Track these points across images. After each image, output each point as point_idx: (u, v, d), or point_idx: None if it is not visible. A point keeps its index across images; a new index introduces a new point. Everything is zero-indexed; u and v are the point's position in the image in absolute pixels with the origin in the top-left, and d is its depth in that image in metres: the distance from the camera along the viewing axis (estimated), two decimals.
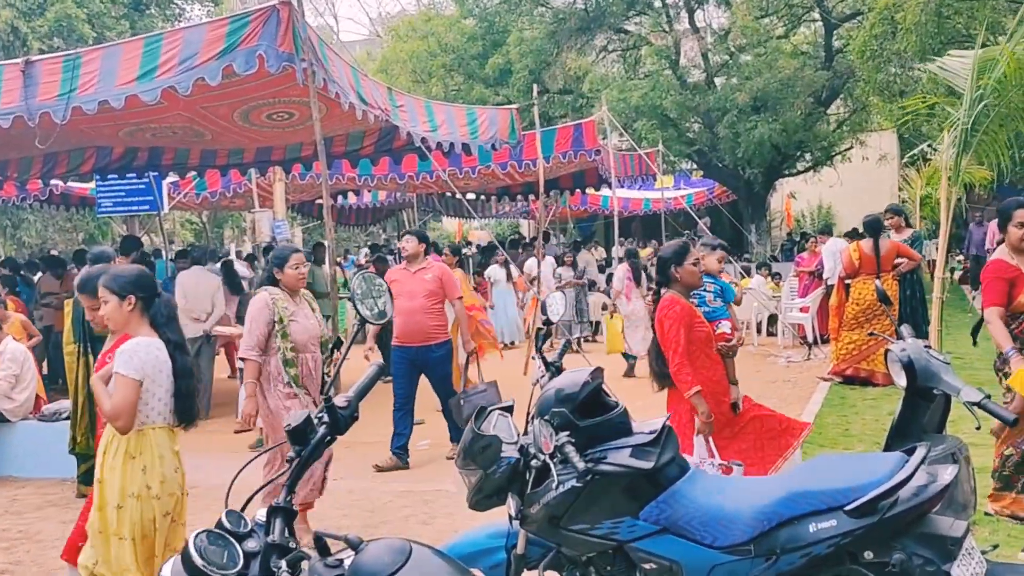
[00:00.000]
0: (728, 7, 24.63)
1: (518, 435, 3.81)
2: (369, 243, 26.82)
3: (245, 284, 18.20)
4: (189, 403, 4.62)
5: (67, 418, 8.42)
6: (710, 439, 5.84)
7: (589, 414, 3.86)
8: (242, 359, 6.60)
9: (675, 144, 23.71)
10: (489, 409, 3.93)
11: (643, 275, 13.95)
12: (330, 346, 6.49)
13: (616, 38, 27.03)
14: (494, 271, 17.60)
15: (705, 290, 7.14)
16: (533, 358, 4.62)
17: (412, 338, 8.85)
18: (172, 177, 16.97)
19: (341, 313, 13.31)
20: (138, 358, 4.37)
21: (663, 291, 6.01)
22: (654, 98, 22.62)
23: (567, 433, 3.65)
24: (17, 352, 9.02)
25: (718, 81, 24.54)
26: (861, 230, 12.91)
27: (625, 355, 13.75)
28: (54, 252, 23.12)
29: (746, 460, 5.85)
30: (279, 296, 6.57)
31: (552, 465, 3.57)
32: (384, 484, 8.26)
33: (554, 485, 3.62)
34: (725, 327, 6.59)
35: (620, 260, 15.85)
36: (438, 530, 6.67)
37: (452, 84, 27.52)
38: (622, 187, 21.82)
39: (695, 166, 27.35)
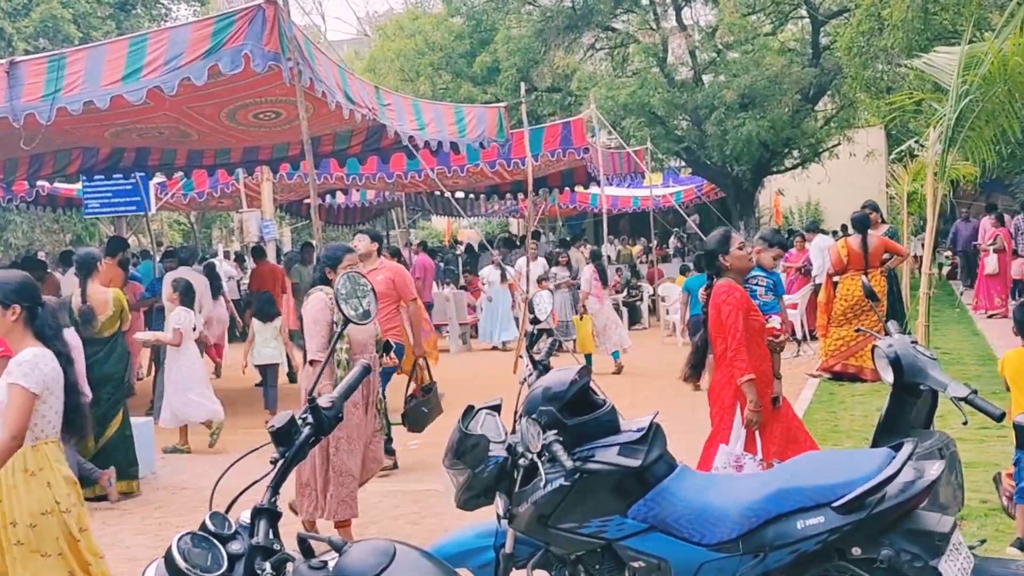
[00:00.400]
0: (715, 4, 24.65)
1: (506, 434, 3.80)
2: None
3: (234, 284, 18.19)
4: (81, 418, 4.43)
5: None
6: (755, 432, 5.70)
7: (577, 413, 3.86)
8: (311, 362, 6.43)
9: (663, 142, 23.72)
10: (477, 408, 3.93)
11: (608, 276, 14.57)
12: (382, 349, 6.54)
13: (604, 36, 27.03)
14: (488, 272, 17.56)
15: (758, 284, 7.12)
16: (521, 357, 4.61)
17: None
18: (159, 178, 16.91)
19: None
20: (39, 371, 4.15)
21: (716, 281, 5.87)
22: (642, 96, 22.62)
23: (555, 432, 3.65)
24: None
25: (706, 78, 24.56)
26: (849, 227, 12.94)
27: (614, 353, 13.80)
28: (41, 254, 23.03)
29: (768, 460, 5.68)
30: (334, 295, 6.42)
31: (540, 464, 3.57)
32: (373, 484, 8.22)
33: (542, 484, 3.62)
34: (775, 322, 6.52)
35: (587, 261, 15.96)
36: (428, 529, 6.67)
37: (440, 83, 27.49)
38: (611, 185, 21.82)
39: (684, 164, 27.36)
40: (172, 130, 11.92)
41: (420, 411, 8.48)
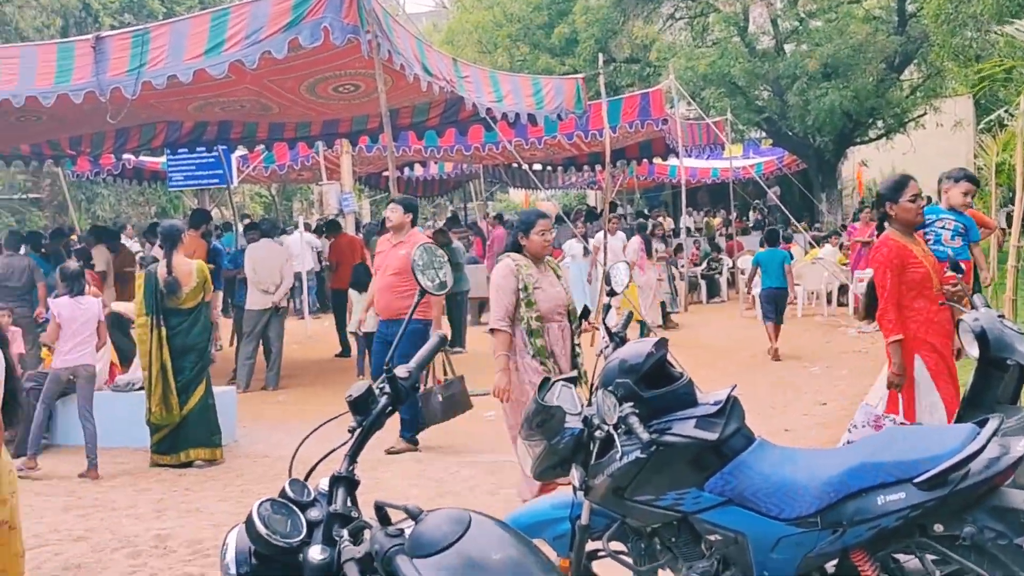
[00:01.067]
0: None
1: (582, 406, 3.80)
2: (448, 215, 26.79)
3: (316, 255, 18.38)
4: (17, 404, 4.23)
5: (140, 388, 8.59)
6: (898, 394, 5.60)
7: (653, 385, 3.84)
8: (492, 330, 6.17)
9: (744, 112, 23.39)
10: (553, 380, 3.92)
11: (654, 247, 15.53)
12: (579, 315, 6.12)
13: (683, 5, 26.68)
14: (571, 245, 17.44)
15: (944, 227, 6.69)
16: (597, 328, 4.59)
17: (385, 314, 8.52)
18: (241, 151, 17.17)
19: None
20: None
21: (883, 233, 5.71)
22: (722, 66, 22.30)
23: (631, 404, 3.63)
24: None
25: (787, 48, 24.10)
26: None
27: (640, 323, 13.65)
28: (129, 226, 23.54)
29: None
30: (523, 263, 6.15)
31: (616, 436, 3.56)
32: (450, 455, 8.32)
33: (618, 456, 3.61)
34: (955, 270, 5.93)
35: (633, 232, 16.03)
36: (504, 500, 6.70)
37: (518, 54, 27.37)
38: (690, 157, 21.60)
39: (764, 135, 26.94)
40: (253, 103, 12.08)
41: (435, 401, 8.36)
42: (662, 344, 3.97)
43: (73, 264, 8.86)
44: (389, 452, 8.28)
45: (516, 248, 6.27)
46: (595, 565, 3.96)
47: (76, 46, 9.71)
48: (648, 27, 25.37)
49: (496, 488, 7.19)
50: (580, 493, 3.77)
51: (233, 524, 2.51)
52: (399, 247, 8.43)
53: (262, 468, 8.07)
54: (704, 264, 20.53)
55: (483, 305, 17.55)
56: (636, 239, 15.14)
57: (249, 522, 2.25)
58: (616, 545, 3.92)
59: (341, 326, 13.68)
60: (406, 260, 8.27)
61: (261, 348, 11.85)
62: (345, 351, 13.62)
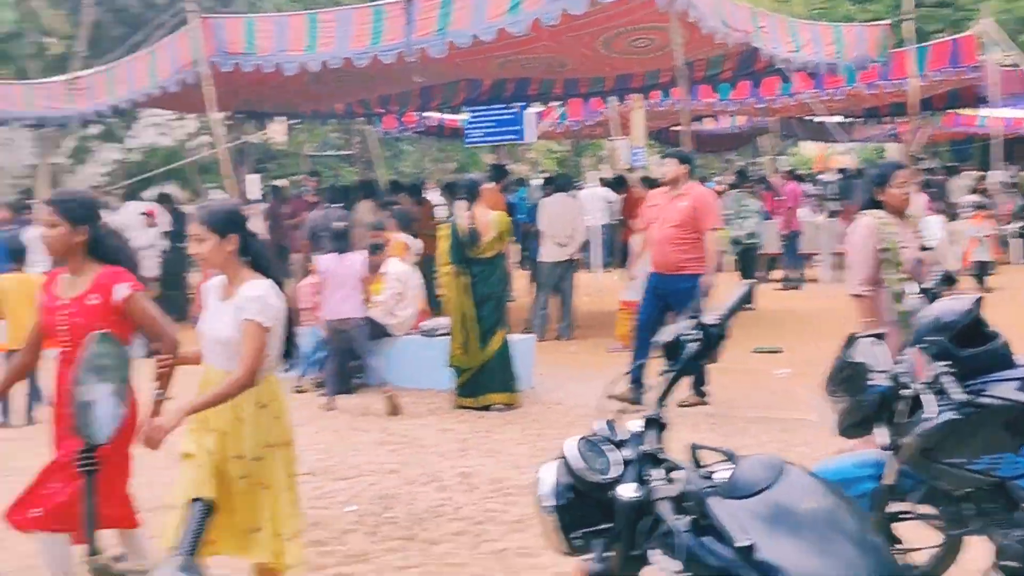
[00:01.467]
0: None
1: (889, 363, 3.68)
2: (737, 169, 26.38)
3: (608, 209, 18.53)
4: (294, 347, 4.30)
5: (445, 334, 9.05)
6: None
7: (967, 344, 3.66)
8: (854, 296, 5.76)
9: None
10: (858, 335, 3.82)
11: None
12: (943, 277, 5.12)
13: None
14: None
15: None
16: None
17: (660, 267, 8.36)
18: (536, 107, 17.56)
19: None
20: (271, 305, 4.04)
21: None
22: None
23: (946, 363, 3.48)
24: (401, 272, 9.76)
25: None
26: None
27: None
28: (430, 183, 24.64)
29: None
30: (885, 219, 5.70)
31: (927, 395, 3.43)
32: (739, 411, 8.25)
33: (930, 416, 3.47)
34: None
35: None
36: (797, 457, 6.52)
37: (816, 1, 26.34)
38: (1005, 107, 20.08)
39: None
40: (551, 60, 12.32)
41: None
42: (978, 302, 3.78)
43: (340, 225, 9.48)
44: (681, 406, 8.30)
45: (873, 204, 5.81)
46: (895, 527, 3.85)
47: (387, 8, 10.27)
48: None
49: (788, 446, 7.08)
50: (887, 453, 3.67)
51: (530, 465, 2.62)
52: (678, 199, 8.32)
53: (557, 414, 8.33)
54: (1020, 223, 19.13)
55: (773, 261, 17.21)
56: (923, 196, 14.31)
57: (566, 458, 2.36)
58: (925, 508, 3.79)
59: None
60: (687, 212, 8.21)
61: (554, 299, 12.17)
62: None
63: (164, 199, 15.71)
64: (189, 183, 21.20)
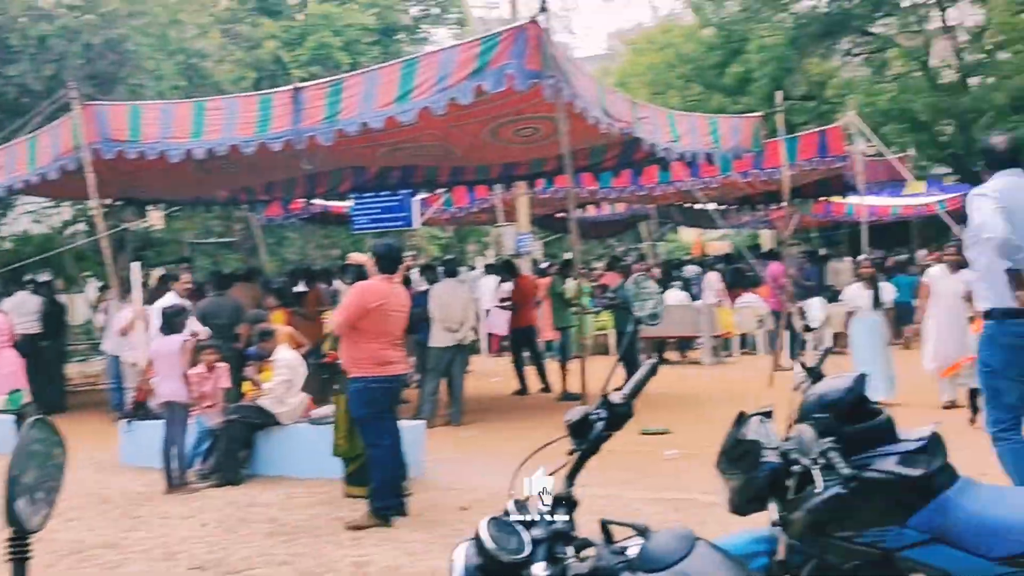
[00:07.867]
0: (984, 3, 23.37)
1: (778, 441, 3.80)
2: (609, 256, 26.96)
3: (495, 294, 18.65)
4: None
5: (332, 422, 8.93)
6: None
7: (852, 420, 3.81)
8: None
9: (927, 148, 22.72)
10: (749, 414, 3.94)
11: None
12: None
13: (861, 41, 26.16)
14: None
15: None
16: (792, 365, 4.55)
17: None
18: (421, 194, 17.68)
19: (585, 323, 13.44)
20: None
21: None
22: (903, 101, 21.79)
23: (831, 439, 3.62)
24: (290, 359, 9.65)
25: (972, 81, 23.31)
26: None
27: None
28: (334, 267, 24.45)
29: None
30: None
31: (815, 471, 3.55)
32: (634, 491, 8.34)
33: (817, 491, 3.59)
34: None
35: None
36: None
37: (690, 95, 27.39)
38: (869, 195, 21.06)
39: (949, 170, 26.03)
40: (438, 148, 12.50)
41: None
42: (861, 380, 3.95)
43: (170, 308, 9.72)
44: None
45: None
46: None
47: (275, 97, 10.32)
48: (824, 64, 24.99)
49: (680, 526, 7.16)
50: (777, 528, 3.77)
51: (425, 552, 2.62)
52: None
53: (450, 499, 8.28)
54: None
55: (663, 344, 17.53)
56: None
57: (476, 539, 2.38)
58: None
59: (519, 364, 13.98)
60: None
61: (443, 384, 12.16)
62: (523, 389, 13.83)
63: (40, 288, 15.33)
64: (63, 271, 20.65)
